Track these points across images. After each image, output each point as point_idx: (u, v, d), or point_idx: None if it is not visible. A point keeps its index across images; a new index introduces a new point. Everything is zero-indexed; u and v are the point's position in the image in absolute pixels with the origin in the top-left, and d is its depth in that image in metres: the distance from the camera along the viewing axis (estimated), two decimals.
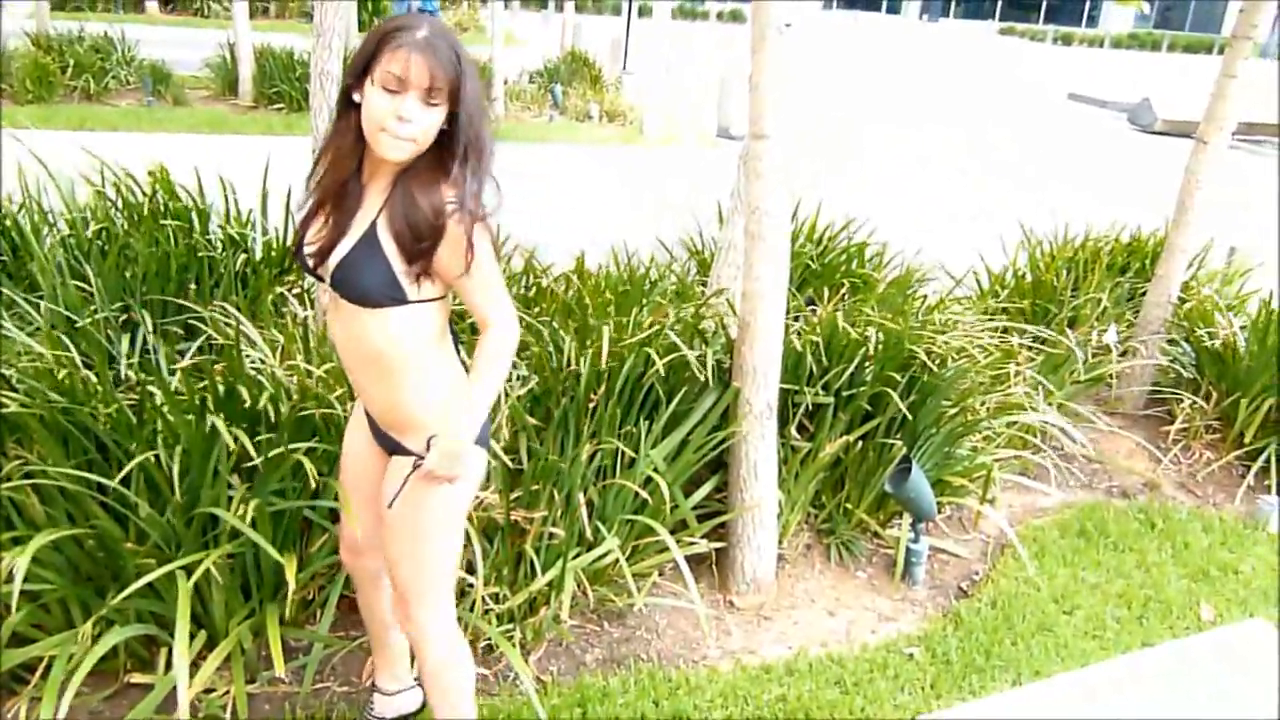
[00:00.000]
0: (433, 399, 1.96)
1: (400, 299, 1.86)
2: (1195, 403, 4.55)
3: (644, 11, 18.69)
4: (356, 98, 1.80)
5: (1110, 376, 4.71)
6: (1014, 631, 3.18)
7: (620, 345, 3.26)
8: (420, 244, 1.81)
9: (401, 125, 1.76)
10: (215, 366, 2.82)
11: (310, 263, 1.93)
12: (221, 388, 2.75)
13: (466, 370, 2.00)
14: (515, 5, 24.60)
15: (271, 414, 2.78)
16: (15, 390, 2.63)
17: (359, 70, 1.79)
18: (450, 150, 1.81)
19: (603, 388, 3.15)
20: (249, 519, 2.42)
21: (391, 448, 2.03)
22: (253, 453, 2.57)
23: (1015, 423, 3.94)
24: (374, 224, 1.85)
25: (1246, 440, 4.34)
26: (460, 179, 1.81)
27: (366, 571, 2.34)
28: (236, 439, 2.58)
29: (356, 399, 2.17)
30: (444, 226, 1.80)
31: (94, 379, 2.74)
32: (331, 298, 1.95)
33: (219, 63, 11.57)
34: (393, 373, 1.93)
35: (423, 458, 1.95)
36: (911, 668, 2.99)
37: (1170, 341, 4.78)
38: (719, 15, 32.99)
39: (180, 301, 3.77)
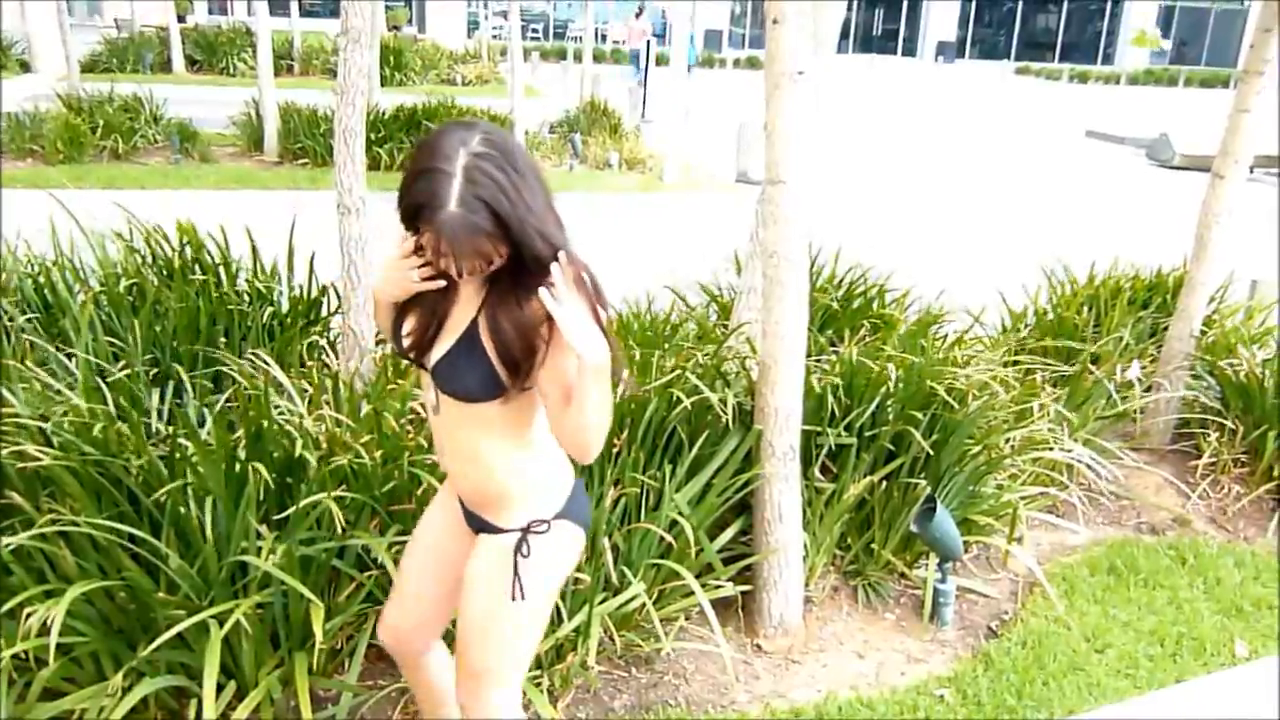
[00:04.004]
0: (529, 479, 1.96)
1: (501, 394, 1.84)
2: (1222, 437, 4.51)
3: (661, 61, 18.93)
4: None
5: (1135, 412, 4.69)
6: (1045, 671, 3.14)
7: (642, 389, 3.28)
8: (516, 363, 1.79)
9: (455, 274, 1.75)
10: (245, 415, 2.86)
11: (411, 354, 1.92)
12: (251, 436, 2.79)
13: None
14: (535, 58, 24.97)
15: (301, 463, 2.82)
16: (50, 444, 2.68)
17: (404, 222, 1.74)
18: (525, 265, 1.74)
19: (625, 432, 3.17)
20: (278, 566, 2.44)
21: (479, 526, 2.01)
22: (283, 501, 2.60)
23: (1040, 459, 3.92)
24: (475, 322, 1.83)
25: (1276, 474, 4.29)
26: (536, 289, 1.73)
27: (411, 653, 2.27)
28: (266, 487, 2.61)
29: (444, 480, 2.17)
30: (535, 345, 1.79)
31: (127, 430, 2.79)
32: (434, 395, 1.93)
33: (244, 120, 11.81)
34: (491, 459, 1.92)
35: (514, 530, 1.95)
36: (942, 709, 2.96)
37: (1194, 376, 4.75)
38: (735, 63, 33.35)
39: (211, 353, 3.83)
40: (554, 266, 1.70)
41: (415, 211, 1.67)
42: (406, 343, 1.92)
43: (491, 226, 1.65)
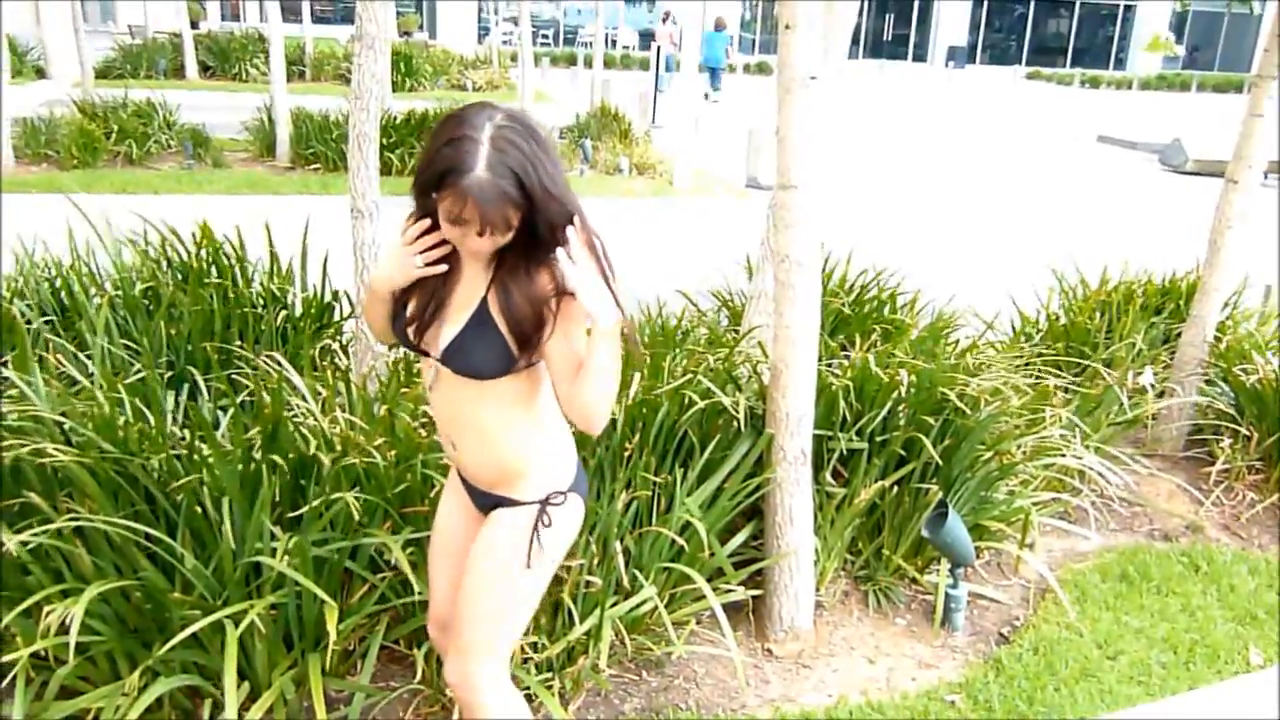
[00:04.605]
0: (538, 451, 1.98)
1: (512, 368, 1.87)
2: (1236, 443, 4.49)
3: (672, 66, 18.98)
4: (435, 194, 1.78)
5: (1147, 418, 4.68)
6: (1057, 678, 3.14)
7: (654, 393, 3.29)
8: (528, 335, 1.83)
9: (471, 244, 1.78)
10: (260, 416, 2.88)
11: (413, 338, 1.94)
12: (266, 437, 2.81)
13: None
14: (545, 63, 25.04)
15: (315, 464, 2.83)
16: (69, 443, 2.70)
17: (427, 189, 1.77)
18: (539, 237, 1.79)
19: (637, 436, 3.18)
20: (292, 567, 2.46)
21: (491, 503, 2.03)
22: (296, 502, 2.61)
23: (1052, 465, 3.92)
24: (484, 300, 1.86)
25: None
26: (552, 264, 1.80)
27: None
28: (280, 488, 2.63)
29: (450, 471, 2.18)
30: (545, 317, 1.82)
31: (148, 429, 2.81)
32: (434, 373, 1.95)
33: (257, 125, 11.86)
34: (498, 434, 1.94)
35: (531, 502, 1.97)
36: (953, 715, 2.96)
37: (1208, 382, 4.74)
38: (745, 68, 33.33)
39: (226, 355, 3.86)
40: (569, 230, 1.75)
41: (441, 176, 1.71)
42: (414, 325, 1.94)
43: (516, 193, 1.71)
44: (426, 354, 1.95)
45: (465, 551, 2.11)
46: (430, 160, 1.74)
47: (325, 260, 4.38)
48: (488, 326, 1.85)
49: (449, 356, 1.89)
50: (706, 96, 22.08)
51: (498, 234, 1.75)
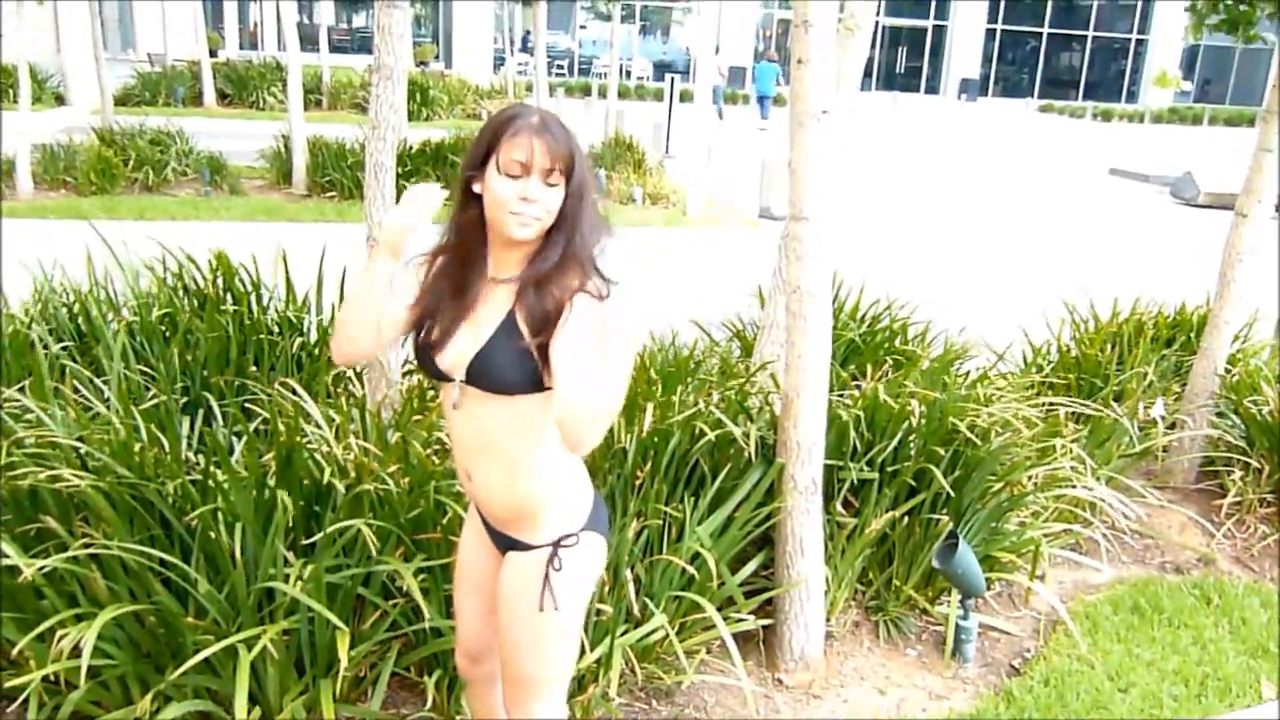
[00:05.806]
0: (550, 487, 1.98)
1: (540, 385, 1.88)
2: (1247, 476, 4.48)
3: (685, 97, 19.14)
4: (477, 188, 1.85)
5: (1158, 450, 4.67)
6: (1068, 710, 3.12)
7: (666, 423, 3.30)
8: (548, 318, 1.84)
9: (527, 205, 1.81)
10: (275, 442, 2.91)
11: (436, 360, 1.94)
12: (281, 463, 2.83)
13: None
14: (560, 93, 25.23)
15: (328, 490, 2.86)
16: (85, 468, 2.73)
17: (479, 160, 1.84)
18: (565, 233, 1.87)
19: (649, 465, 3.19)
20: (305, 592, 2.48)
21: (508, 545, 2.04)
22: (310, 528, 2.63)
23: (1063, 496, 3.91)
24: (511, 312, 1.88)
25: None
26: (577, 261, 1.87)
27: (488, 675, 2.32)
28: (293, 514, 2.65)
29: (469, 507, 2.19)
30: (562, 305, 1.84)
31: (164, 455, 2.84)
32: (458, 391, 1.94)
33: (274, 153, 11.98)
34: (517, 462, 1.94)
35: (545, 546, 1.99)
36: None
37: (1219, 414, 4.73)
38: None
39: (241, 381, 3.89)
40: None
41: (499, 128, 1.82)
42: (437, 347, 1.94)
43: (569, 142, 1.84)
44: (448, 378, 1.95)
45: (489, 585, 2.12)
46: (483, 131, 1.85)
47: (342, 280, 4.41)
48: (515, 336, 1.86)
49: (475, 371, 1.89)
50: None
51: (558, 178, 1.82)
